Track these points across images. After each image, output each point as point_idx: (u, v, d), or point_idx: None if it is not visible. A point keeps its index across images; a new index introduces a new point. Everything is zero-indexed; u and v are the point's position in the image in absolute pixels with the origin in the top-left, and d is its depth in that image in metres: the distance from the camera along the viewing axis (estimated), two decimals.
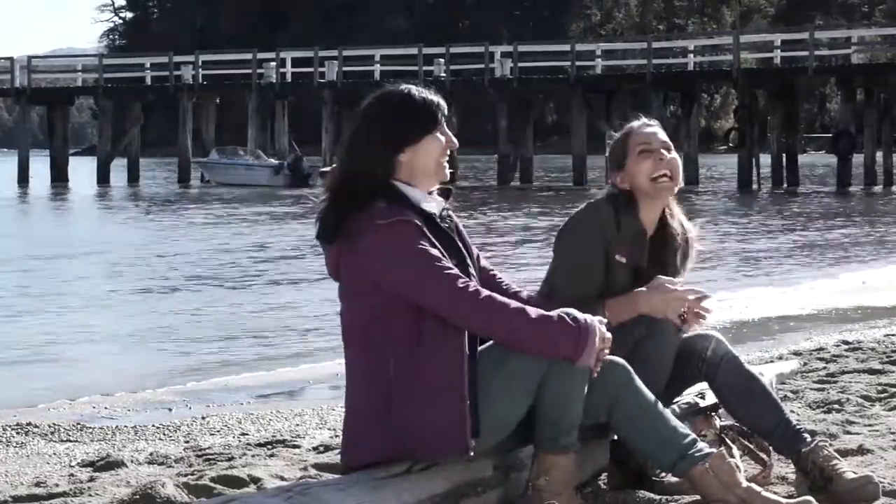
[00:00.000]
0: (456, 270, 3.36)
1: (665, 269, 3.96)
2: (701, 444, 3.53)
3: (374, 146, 3.42)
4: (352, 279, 3.42)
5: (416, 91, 3.49)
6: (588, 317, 3.37)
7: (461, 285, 3.33)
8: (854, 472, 3.75)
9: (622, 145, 3.99)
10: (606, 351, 3.40)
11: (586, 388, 3.43)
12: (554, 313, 3.36)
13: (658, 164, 3.93)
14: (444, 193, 3.56)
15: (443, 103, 3.53)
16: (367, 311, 3.40)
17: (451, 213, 3.57)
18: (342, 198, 3.40)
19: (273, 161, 47.18)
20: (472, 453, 3.36)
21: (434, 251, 3.36)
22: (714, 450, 3.54)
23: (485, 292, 3.35)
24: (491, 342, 3.45)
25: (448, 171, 3.53)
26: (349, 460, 3.49)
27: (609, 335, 3.40)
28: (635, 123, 4.04)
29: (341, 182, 3.43)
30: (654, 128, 4.02)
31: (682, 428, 3.54)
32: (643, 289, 3.84)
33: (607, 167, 4.05)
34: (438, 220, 3.47)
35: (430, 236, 3.38)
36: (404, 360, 3.36)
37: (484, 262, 3.67)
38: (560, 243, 3.94)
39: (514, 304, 3.36)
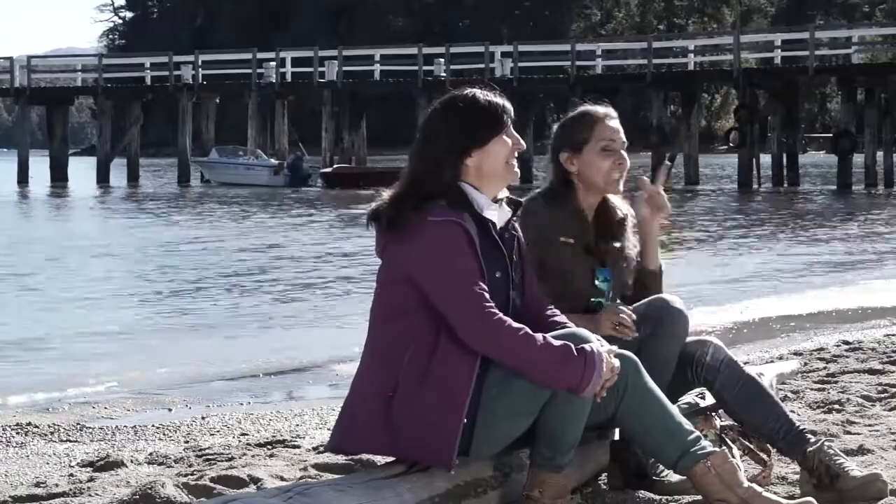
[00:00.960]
0: (482, 288, 3.35)
1: (615, 236, 3.99)
2: (704, 443, 3.53)
3: (441, 150, 3.44)
4: (392, 268, 3.43)
5: (482, 94, 3.52)
6: (596, 346, 3.38)
7: (479, 304, 3.33)
8: (860, 471, 3.75)
9: (585, 130, 3.98)
10: (614, 379, 3.40)
11: (588, 411, 3.43)
12: (561, 343, 3.36)
13: (616, 166, 3.96)
14: (514, 205, 3.57)
15: (508, 105, 3.57)
16: (395, 304, 3.41)
17: (516, 227, 3.58)
18: (405, 199, 3.42)
19: (273, 161, 47.18)
20: (453, 472, 3.37)
21: (472, 262, 3.36)
22: (717, 449, 3.54)
23: (498, 315, 3.35)
24: None
25: (518, 173, 3.54)
26: (339, 443, 3.49)
27: (617, 363, 3.41)
28: (599, 110, 4.02)
29: (408, 185, 3.45)
30: (616, 121, 4.03)
31: (687, 425, 3.55)
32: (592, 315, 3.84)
33: (554, 142, 4.03)
34: (497, 230, 3.48)
35: (478, 245, 3.38)
36: (416, 363, 3.37)
37: (534, 285, 3.65)
38: None
39: (523, 330, 3.35)
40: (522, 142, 3.56)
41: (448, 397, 3.34)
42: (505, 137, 3.50)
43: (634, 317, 3.81)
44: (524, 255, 3.60)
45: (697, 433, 3.56)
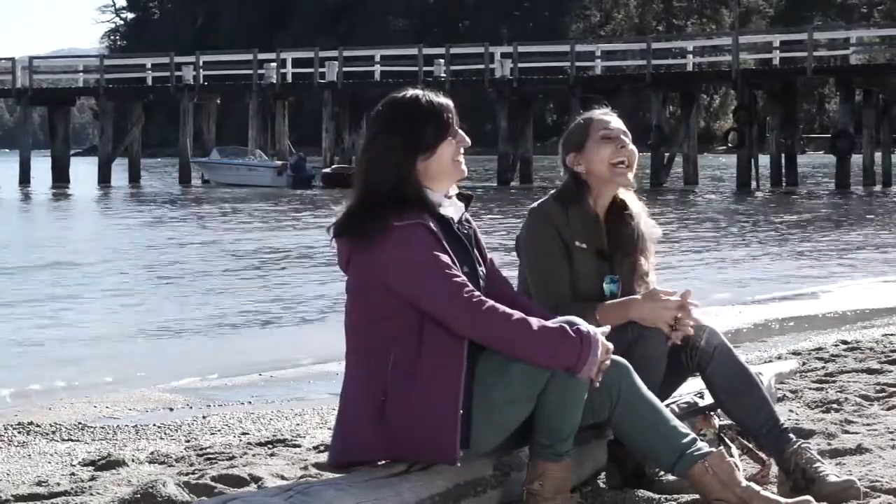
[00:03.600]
0: (463, 279, 3.37)
1: (627, 248, 4.00)
2: (700, 444, 3.54)
3: (391, 155, 3.44)
4: (361, 277, 3.44)
5: (423, 96, 3.51)
6: (590, 327, 3.39)
7: (465, 294, 3.34)
8: (837, 476, 3.75)
9: (583, 129, 4.04)
10: (608, 362, 3.41)
11: (586, 396, 3.44)
12: (556, 324, 3.38)
13: (618, 151, 3.99)
14: (465, 199, 3.59)
15: (451, 104, 3.55)
16: (372, 310, 3.42)
17: (469, 218, 3.60)
18: (366, 201, 3.42)
19: (277, 162, 47.14)
20: (458, 464, 3.38)
21: (444, 257, 3.37)
22: (713, 449, 3.56)
23: (488, 302, 3.36)
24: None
25: (464, 168, 3.55)
26: (339, 455, 3.50)
27: (611, 345, 3.42)
28: (597, 111, 4.09)
29: (366, 193, 3.45)
30: (613, 115, 4.08)
31: (682, 427, 3.55)
32: (637, 296, 3.87)
33: (562, 152, 4.08)
34: (456, 225, 3.50)
35: (444, 242, 3.40)
36: (403, 362, 3.37)
37: (498, 270, 3.67)
38: (521, 249, 4.01)
39: (516, 314, 3.36)
40: (467, 138, 3.56)
41: (440, 391, 3.35)
42: (450, 138, 3.50)
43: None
44: (482, 246, 3.61)
45: (693, 435, 3.57)
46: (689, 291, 3.86)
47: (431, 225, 3.40)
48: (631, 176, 4.01)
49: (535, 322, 3.37)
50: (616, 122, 4.05)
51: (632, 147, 4.03)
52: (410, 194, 3.43)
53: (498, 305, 3.37)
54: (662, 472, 3.82)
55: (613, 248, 4.00)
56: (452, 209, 3.52)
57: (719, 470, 3.47)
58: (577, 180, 4.01)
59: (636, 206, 4.06)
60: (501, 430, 3.48)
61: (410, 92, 3.52)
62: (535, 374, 3.39)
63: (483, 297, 3.37)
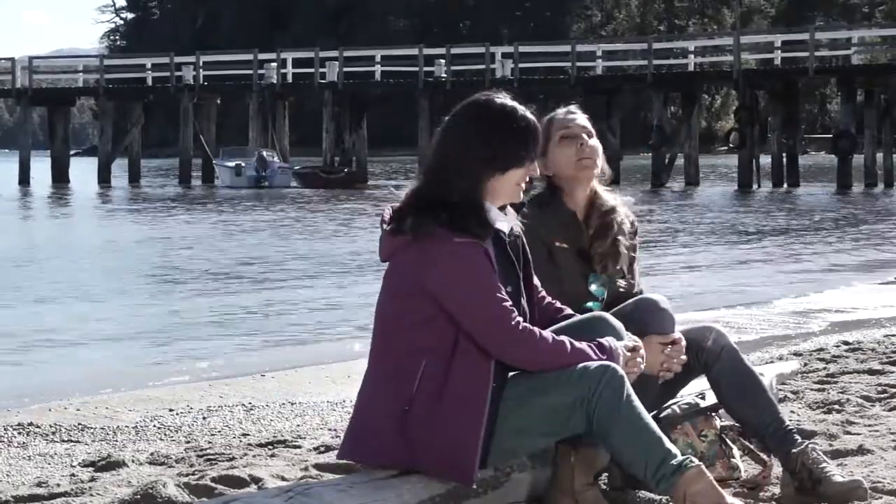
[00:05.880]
0: (509, 303, 3.36)
1: (608, 247, 3.99)
2: (673, 465, 3.33)
3: (471, 162, 3.36)
4: (407, 279, 3.38)
5: (523, 112, 3.40)
6: (612, 342, 3.45)
7: (514, 323, 3.34)
8: (843, 476, 3.75)
9: (544, 133, 3.97)
10: (638, 359, 3.49)
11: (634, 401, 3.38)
12: (585, 345, 3.42)
13: (580, 149, 3.99)
14: (517, 206, 3.55)
15: (540, 127, 3.49)
16: (411, 315, 3.37)
17: (518, 225, 3.56)
18: (430, 201, 3.35)
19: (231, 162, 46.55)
20: (475, 485, 3.38)
21: (494, 281, 3.35)
22: (689, 470, 3.33)
23: (530, 329, 3.37)
24: (518, 372, 3.45)
25: (522, 195, 3.50)
26: (350, 455, 3.49)
27: (635, 339, 3.50)
28: (559, 111, 4.09)
29: (432, 185, 3.38)
30: (575, 114, 4.07)
31: (657, 445, 3.36)
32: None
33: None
34: (507, 239, 3.47)
35: (495, 263, 3.37)
36: (434, 375, 3.36)
37: (537, 280, 3.66)
38: None
39: (552, 339, 3.39)
40: (538, 169, 3.51)
41: (467, 413, 3.34)
42: (528, 164, 3.44)
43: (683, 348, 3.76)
44: (529, 259, 3.60)
45: (665, 456, 3.35)
46: (681, 337, 3.78)
47: (487, 245, 3.36)
48: (597, 170, 4.02)
49: (568, 346, 3.39)
50: (579, 120, 4.04)
51: (592, 143, 4.02)
52: (475, 208, 3.36)
53: (536, 331, 3.38)
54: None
55: (595, 246, 4.00)
56: (505, 223, 3.47)
57: (699, 497, 3.30)
58: (550, 186, 4.03)
59: (613, 201, 4.07)
60: (512, 455, 3.51)
61: (508, 102, 3.40)
62: (554, 413, 3.39)
63: (525, 324, 3.37)
